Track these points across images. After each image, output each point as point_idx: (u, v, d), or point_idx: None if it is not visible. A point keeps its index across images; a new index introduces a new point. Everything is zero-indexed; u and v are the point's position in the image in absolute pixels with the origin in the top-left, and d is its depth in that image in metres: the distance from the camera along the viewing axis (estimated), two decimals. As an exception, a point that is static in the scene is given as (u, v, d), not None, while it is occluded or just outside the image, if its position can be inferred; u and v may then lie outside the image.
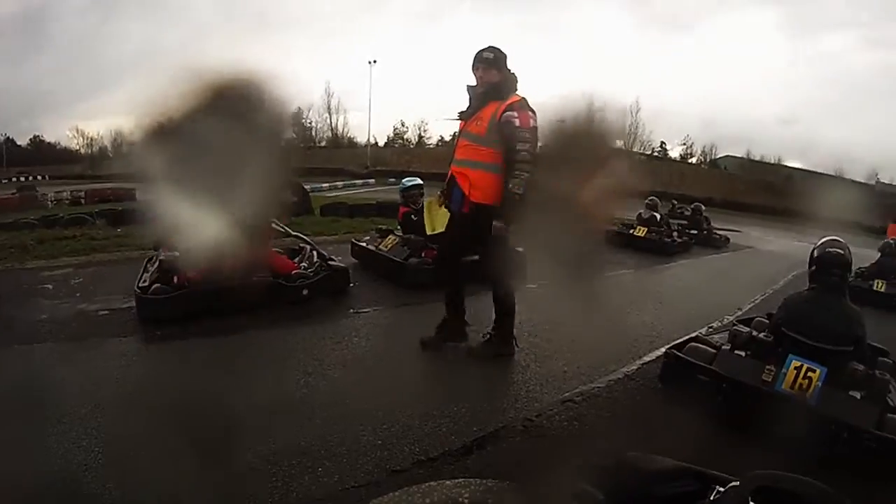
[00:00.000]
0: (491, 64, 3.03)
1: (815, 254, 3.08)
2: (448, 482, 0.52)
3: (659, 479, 1.06)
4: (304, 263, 4.43)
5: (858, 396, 2.72)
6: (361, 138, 46.70)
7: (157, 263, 3.86)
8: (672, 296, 6.01)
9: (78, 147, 47.82)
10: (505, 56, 3.07)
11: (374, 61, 44.63)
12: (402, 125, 47.41)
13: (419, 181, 5.37)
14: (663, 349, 3.27)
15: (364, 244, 5.35)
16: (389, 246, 5.05)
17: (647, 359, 3.52)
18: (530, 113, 2.90)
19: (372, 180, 30.27)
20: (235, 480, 1.92)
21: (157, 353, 3.19)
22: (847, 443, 2.54)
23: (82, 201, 18.47)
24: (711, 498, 0.94)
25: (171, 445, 2.02)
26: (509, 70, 3.06)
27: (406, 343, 3.40)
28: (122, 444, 2.11)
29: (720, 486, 0.96)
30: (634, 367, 3.40)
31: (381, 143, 47.22)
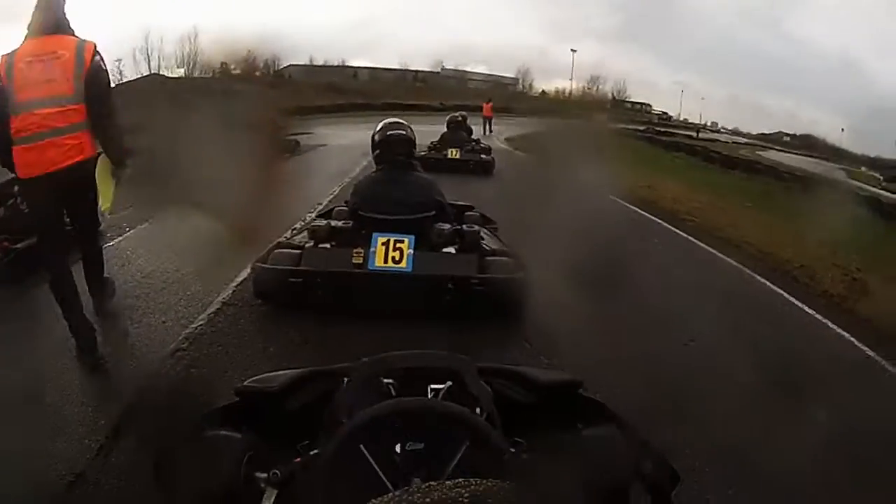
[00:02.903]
0: None
1: (377, 138, 3.22)
2: (448, 482, 0.52)
3: (286, 392, 1.05)
4: None
5: (453, 251, 2.93)
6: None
7: None
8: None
9: None
10: None
11: None
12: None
13: None
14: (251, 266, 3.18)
15: None
16: None
17: (239, 279, 3.50)
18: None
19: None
20: None
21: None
22: (455, 293, 2.72)
23: None
24: (343, 390, 0.96)
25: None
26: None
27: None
28: None
29: (346, 377, 0.98)
30: (229, 292, 3.39)
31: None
